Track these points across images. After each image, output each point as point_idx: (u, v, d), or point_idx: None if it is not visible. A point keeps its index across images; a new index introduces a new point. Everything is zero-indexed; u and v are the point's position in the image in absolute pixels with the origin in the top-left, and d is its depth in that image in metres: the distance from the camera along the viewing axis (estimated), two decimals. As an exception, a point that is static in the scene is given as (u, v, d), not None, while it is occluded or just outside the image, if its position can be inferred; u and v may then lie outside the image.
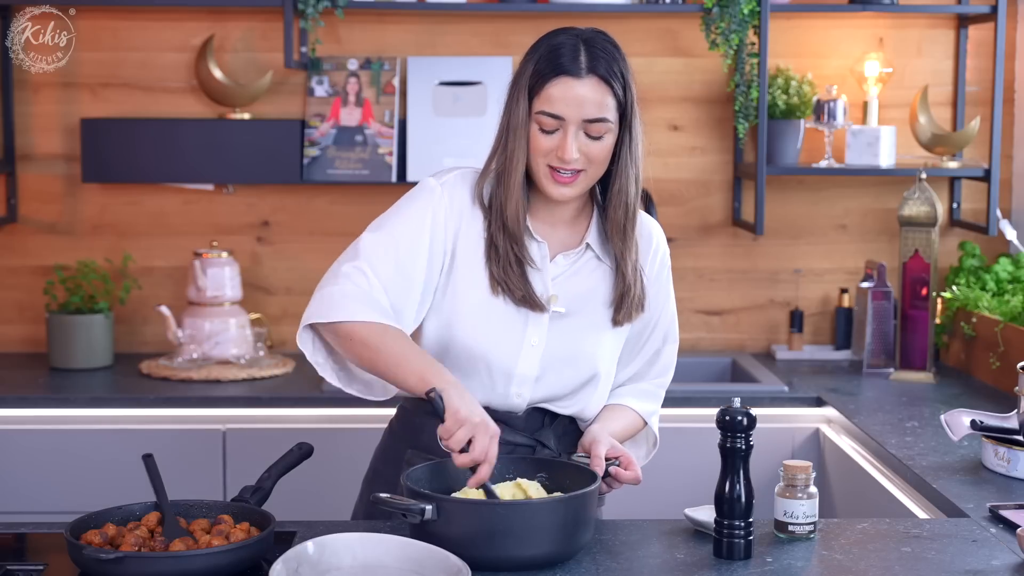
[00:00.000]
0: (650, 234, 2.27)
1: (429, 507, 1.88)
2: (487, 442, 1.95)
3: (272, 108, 3.76)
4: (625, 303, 2.18)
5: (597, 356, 2.20)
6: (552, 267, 2.19)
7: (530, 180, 2.17)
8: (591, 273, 2.20)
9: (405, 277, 2.13)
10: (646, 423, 2.30)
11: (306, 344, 2.15)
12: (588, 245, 2.20)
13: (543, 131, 2.10)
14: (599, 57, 2.09)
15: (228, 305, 3.60)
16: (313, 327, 2.14)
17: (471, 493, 1.99)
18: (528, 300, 2.14)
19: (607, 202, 2.18)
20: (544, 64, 2.10)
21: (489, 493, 1.98)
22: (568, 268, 2.20)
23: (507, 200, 2.13)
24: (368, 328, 2.06)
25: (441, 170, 2.24)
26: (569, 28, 2.15)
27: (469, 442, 1.95)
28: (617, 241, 2.18)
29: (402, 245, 2.13)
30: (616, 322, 2.19)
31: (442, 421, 1.97)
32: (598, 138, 2.10)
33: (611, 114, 2.10)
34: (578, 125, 2.08)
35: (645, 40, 3.80)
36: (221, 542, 1.88)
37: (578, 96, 2.07)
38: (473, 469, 1.97)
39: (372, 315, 2.07)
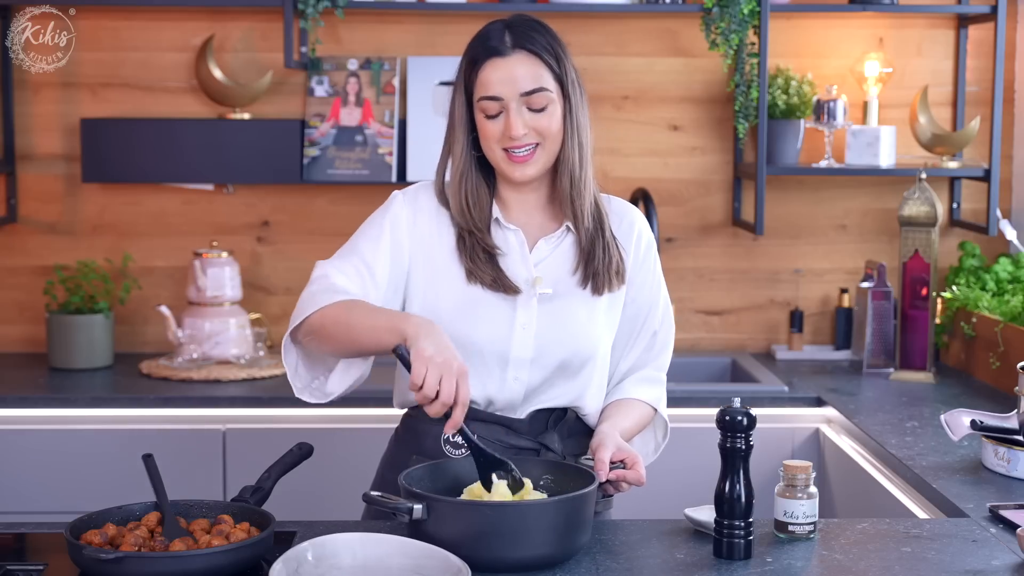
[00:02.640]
0: (632, 220, 2.29)
1: (418, 507, 1.88)
2: (453, 383, 1.93)
3: (272, 108, 3.76)
4: (591, 268, 2.20)
5: (590, 334, 2.21)
6: (535, 253, 2.21)
7: (495, 171, 2.21)
8: (575, 253, 2.22)
9: (369, 276, 2.17)
10: (656, 410, 2.31)
11: (289, 362, 2.22)
12: (568, 227, 2.22)
13: (488, 117, 2.14)
14: (524, 34, 2.14)
15: (228, 305, 3.60)
16: (296, 344, 2.19)
17: (476, 491, 1.99)
18: (499, 283, 2.17)
19: (555, 173, 2.21)
20: (473, 54, 2.16)
21: (473, 446, 1.99)
22: (551, 252, 2.22)
23: (451, 195, 2.20)
24: (333, 309, 2.10)
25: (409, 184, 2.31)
26: (497, 19, 2.20)
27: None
28: (567, 210, 2.20)
29: (365, 252, 2.19)
30: (595, 290, 2.21)
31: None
32: (542, 109, 2.13)
33: (549, 84, 2.14)
34: (518, 101, 2.12)
35: (645, 40, 3.80)
36: (221, 542, 1.88)
37: (510, 73, 2.12)
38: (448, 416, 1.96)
39: (333, 298, 2.11)
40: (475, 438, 2.01)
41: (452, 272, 2.19)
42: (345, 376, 2.21)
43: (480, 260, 2.17)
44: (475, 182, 2.20)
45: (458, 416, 1.95)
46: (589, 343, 2.21)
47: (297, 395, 2.23)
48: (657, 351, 2.32)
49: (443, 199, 2.23)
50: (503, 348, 2.17)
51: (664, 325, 2.32)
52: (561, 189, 2.20)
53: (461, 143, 2.18)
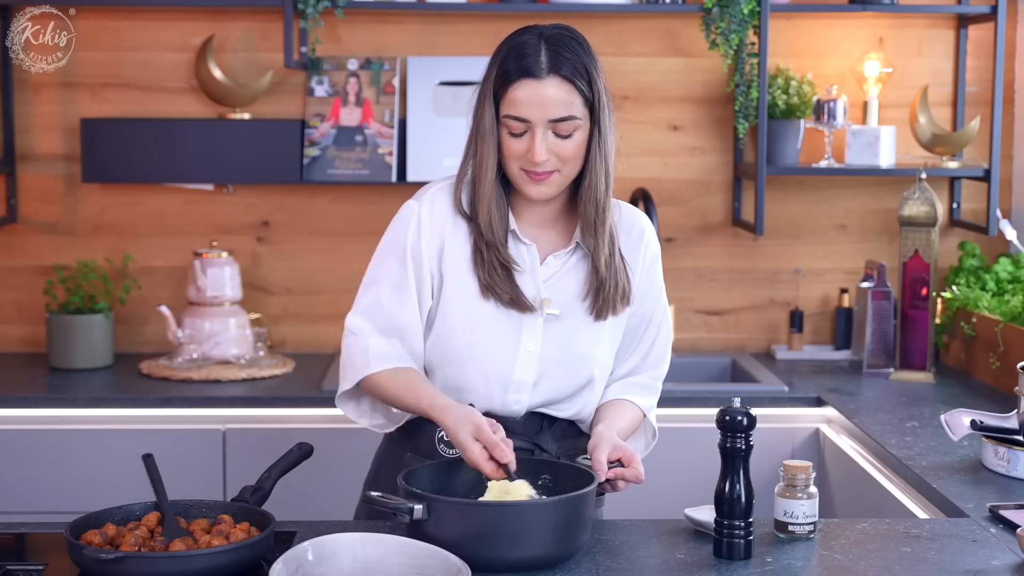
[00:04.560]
0: (642, 230, 2.27)
1: (419, 507, 1.88)
2: (496, 443, 1.99)
3: (272, 108, 3.76)
4: (601, 296, 2.18)
5: (594, 357, 2.20)
6: (544, 269, 2.19)
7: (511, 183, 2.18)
8: (581, 271, 2.20)
9: (401, 319, 2.18)
10: (646, 416, 2.30)
11: (349, 410, 2.28)
12: (578, 244, 2.20)
13: (512, 135, 2.10)
14: (561, 55, 2.08)
15: (228, 305, 3.60)
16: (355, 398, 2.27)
17: (494, 489, 1.99)
18: (516, 302, 2.15)
19: (578, 198, 2.18)
20: (507, 66, 2.10)
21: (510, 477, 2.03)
22: (559, 269, 2.20)
23: (480, 207, 2.15)
24: (378, 379, 2.17)
25: (424, 187, 2.26)
26: (532, 27, 2.14)
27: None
28: (589, 237, 2.17)
29: (389, 288, 2.19)
30: (598, 316, 2.19)
31: None
32: (567, 136, 2.10)
33: (578, 111, 2.09)
34: (545, 126, 2.08)
35: (645, 40, 3.80)
36: (221, 542, 1.88)
37: (542, 97, 2.07)
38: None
39: (373, 367, 2.17)
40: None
41: (466, 284, 2.16)
42: None
43: (499, 276, 2.14)
44: (499, 193, 2.16)
45: (510, 460, 2.01)
46: (590, 367, 2.20)
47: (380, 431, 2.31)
48: (654, 360, 2.31)
49: (460, 208, 2.18)
50: (506, 370, 2.16)
51: (662, 334, 2.31)
52: (586, 215, 2.16)
53: (492, 154, 2.13)
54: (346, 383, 2.21)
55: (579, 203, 2.17)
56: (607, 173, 2.15)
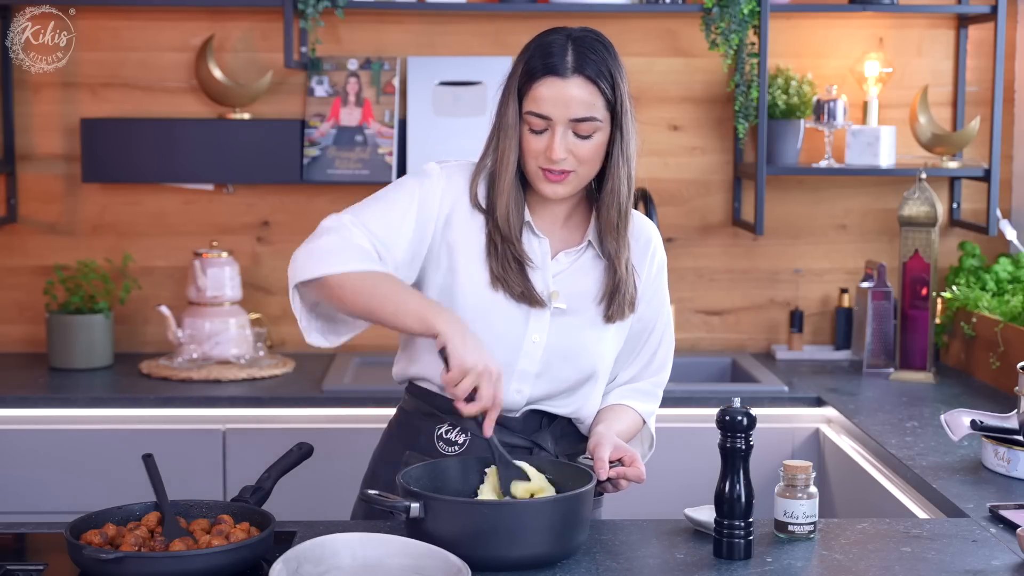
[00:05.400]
0: (649, 238, 2.27)
1: (415, 505, 1.88)
2: (492, 389, 1.97)
3: (272, 108, 3.76)
4: (616, 299, 2.19)
5: (597, 354, 2.21)
6: (554, 264, 2.19)
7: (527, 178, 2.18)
8: (592, 270, 2.21)
9: (390, 237, 2.12)
10: (645, 422, 2.30)
11: (295, 302, 2.13)
12: (590, 242, 2.21)
13: (532, 131, 2.11)
14: (587, 56, 2.10)
15: (228, 305, 3.60)
16: (299, 290, 2.13)
17: (485, 494, 1.99)
18: (527, 296, 2.15)
19: (600, 202, 2.18)
20: (532, 64, 2.11)
21: (497, 454, 2.00)
22: (570, 265, 2.20)
23: (498, 201, 2.15)
24: (356, 276, 2.06)
25: (442, 161, 2.26)
26: (562, 28, 2.16)
27: (475, 391, 1.97)
28: (611, 240, 2.18)
29: (392, 209, 2.14)
30: (607, 318, 2.19)
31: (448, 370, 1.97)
32: (587, 137, 2.10)
33: (599, 113, 2.10)
34: (565, 125, 2.09)
35: (645, 40, 3.80)
36: (221, 542, 1.88)
37: (565, 96, 2.08)
38: (480, 419, 1.99)
39: (358, 263, 2.06)
40: (500, 447, 2.02)
41: (475, 272, 2.16)
42: (355, 324, 2.19)
43: (512, 270, 2.14)
44: (517, 189, 2.16)
45: (493, 418, 1.98)
46: (594, 363, 2.21)
47: (308, 341, 2.17)
48: (655, 368, 2.32)
49: (476, 201, 2.18)
50: (510, 359, 2.16)
51: (664, 343, 2.32)
52: (608, 219, 2.17)
53: (513, 150, 2.13)
54: (319, 270, 2.06)
55: (602, 207, 2.18)
56: (629, 177, 2.16)
